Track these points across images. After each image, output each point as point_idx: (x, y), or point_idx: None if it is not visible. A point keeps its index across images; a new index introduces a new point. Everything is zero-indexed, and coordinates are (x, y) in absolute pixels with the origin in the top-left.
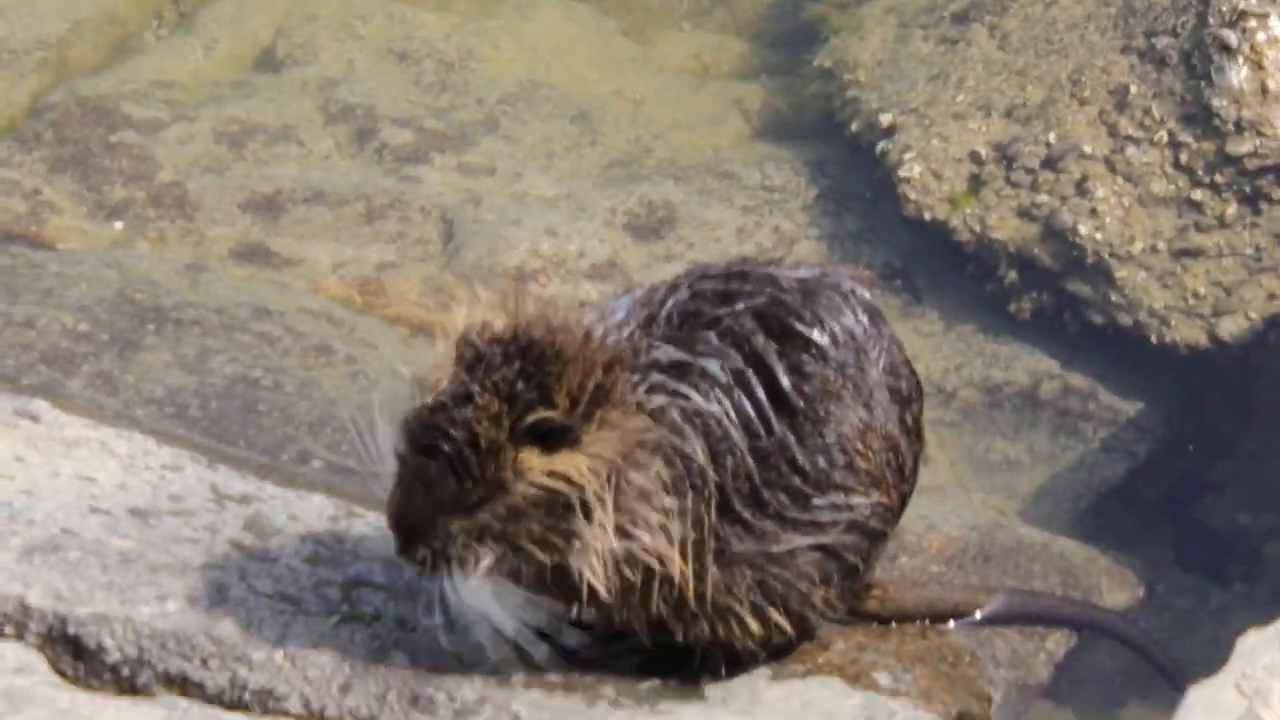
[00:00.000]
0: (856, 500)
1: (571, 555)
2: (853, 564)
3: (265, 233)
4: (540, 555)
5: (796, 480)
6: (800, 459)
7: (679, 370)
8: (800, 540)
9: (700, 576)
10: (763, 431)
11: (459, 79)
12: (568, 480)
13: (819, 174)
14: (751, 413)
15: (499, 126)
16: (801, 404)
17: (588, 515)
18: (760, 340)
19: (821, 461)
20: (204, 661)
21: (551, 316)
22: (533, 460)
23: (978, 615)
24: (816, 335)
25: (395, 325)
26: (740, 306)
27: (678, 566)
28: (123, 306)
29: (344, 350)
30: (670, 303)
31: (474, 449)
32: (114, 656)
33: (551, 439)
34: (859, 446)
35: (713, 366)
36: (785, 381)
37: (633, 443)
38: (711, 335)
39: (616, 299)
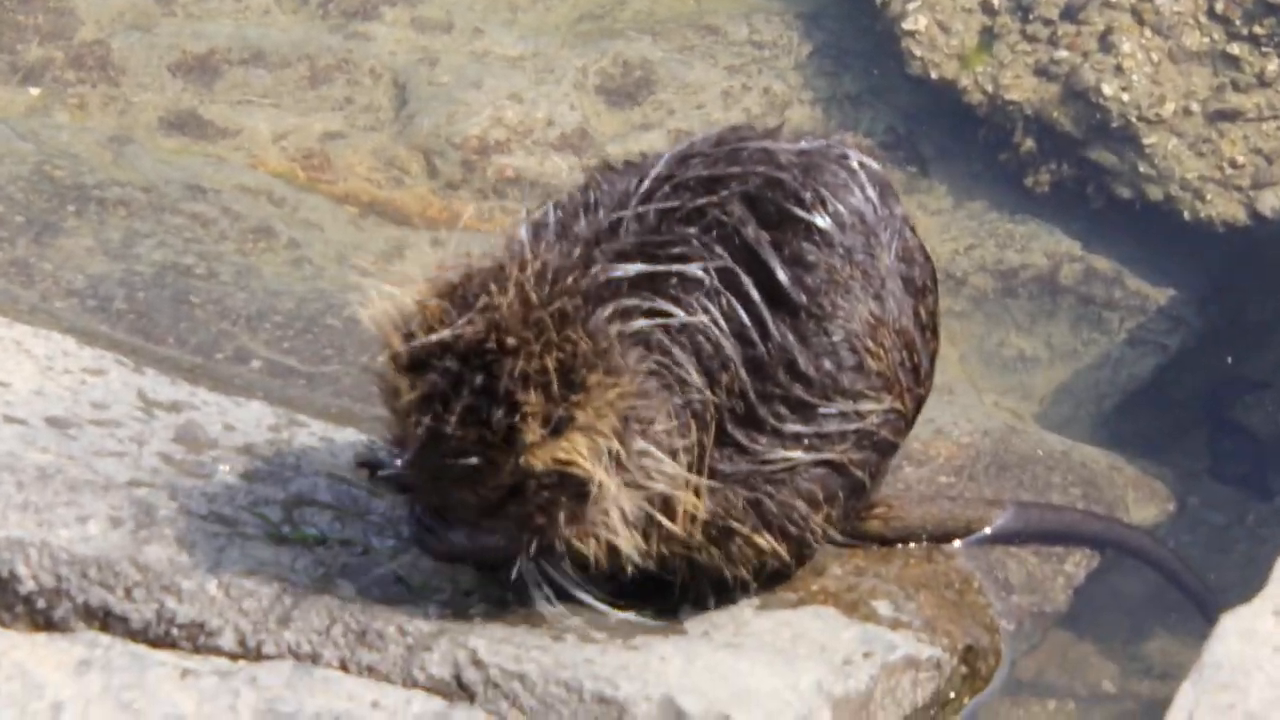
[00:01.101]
0: (867, 406)
1: (596, 530)
2: (860, 480)
3: (198, 99)
4: (566, 532)
5: (798, 389)
6: (803, 364)
7: (652, 284)
8: (800, 457)
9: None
10: (758, 338)
11: None
12: (572, 465)
13: (813, 28)
14: (744, 316)
15: None
16: (804, 299)
17: (601, 493)
18: (751, 231)
19: (827, 364)
20: (128, 592)
21: (476, 282)
22: (535, 456)
23: (989, 532)
24: (819, 219)
25: (343, 203)
26: (727, 193)
27: (689, 503)
28: (39, 184)
29: (286, 233)
30: (642, 198)
31: (476, 473)
32: (28, 586)
33: (554, 427)
34: (869, 344)
35: (694, 270)
36: (783, 275)
37: (627, 405)
38: (692, 232)
39: (557, 202)
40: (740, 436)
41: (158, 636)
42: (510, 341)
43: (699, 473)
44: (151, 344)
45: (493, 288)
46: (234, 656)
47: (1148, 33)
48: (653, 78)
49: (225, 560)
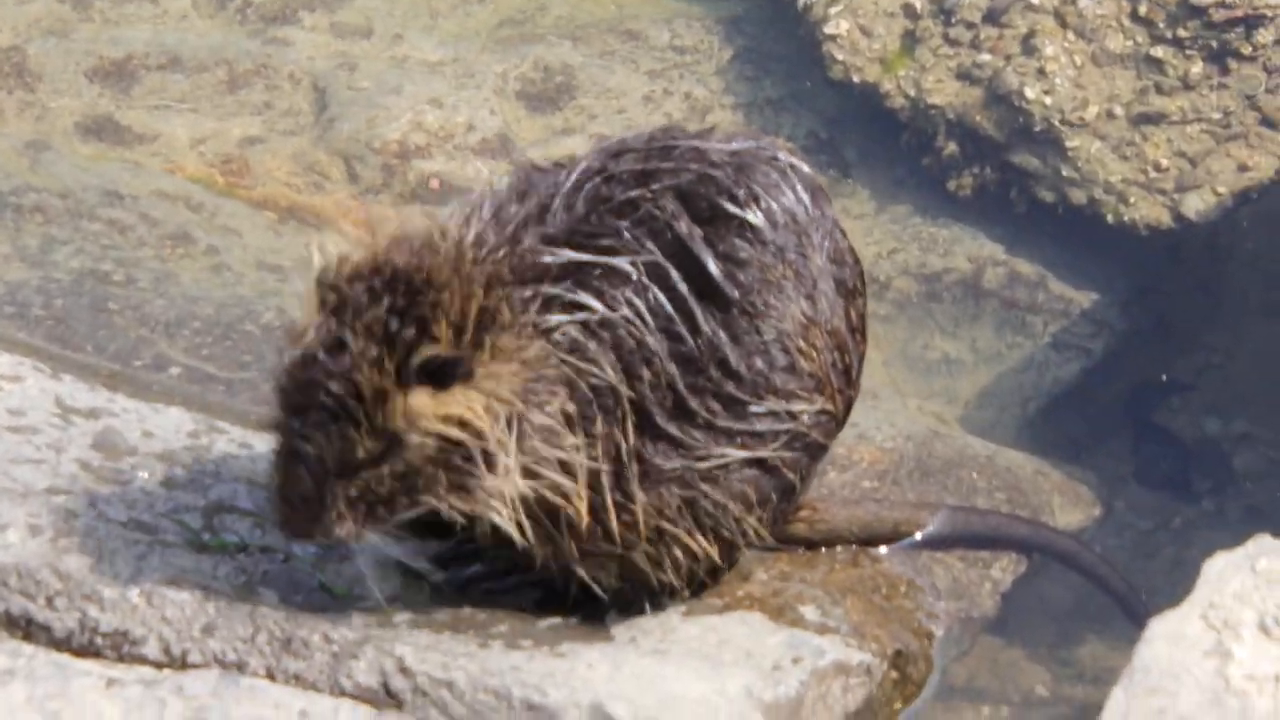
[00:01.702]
0: (798, 407)
1: (478, 504)
2: (790, 482)
3: (115, 104)
4: (443, 507)
5: (730, 386)
6: (734, 361)
7: (578, 275)
8: (734, 454)
9: (624, 506)
10: (687, 332)
11: None
12: (464, 424)
13: (735, 32)
14: (671, 311)
15: None
16: (736, 294)
17: (490, 464)
18: (684, 226)
19: (759, 363)
20: (49, 600)
21: (414, 235)
22: (424, 404)
23: (917, 536)
24: (752, 216)
25: (262, 209)
26: (659, 186)
27: (585, 505)
28: None
29: (205, 239)
30: (571, 188)
31: (358, 400)
32: None
33: (442, 377)
34: (801, 344)
35: (621, 264)
36: (716, 270)
37: (530, 376)
38: (623, 225)
39: (490, 191)
40: (673, 429)
41: (81, 645)
42: (439, 278)
43: (617, 470)
44: (69, 351)
45: (433, 237)
46: (159, 665)
47: (1070, 36)
48: (574, 83)
49: (147, 568)
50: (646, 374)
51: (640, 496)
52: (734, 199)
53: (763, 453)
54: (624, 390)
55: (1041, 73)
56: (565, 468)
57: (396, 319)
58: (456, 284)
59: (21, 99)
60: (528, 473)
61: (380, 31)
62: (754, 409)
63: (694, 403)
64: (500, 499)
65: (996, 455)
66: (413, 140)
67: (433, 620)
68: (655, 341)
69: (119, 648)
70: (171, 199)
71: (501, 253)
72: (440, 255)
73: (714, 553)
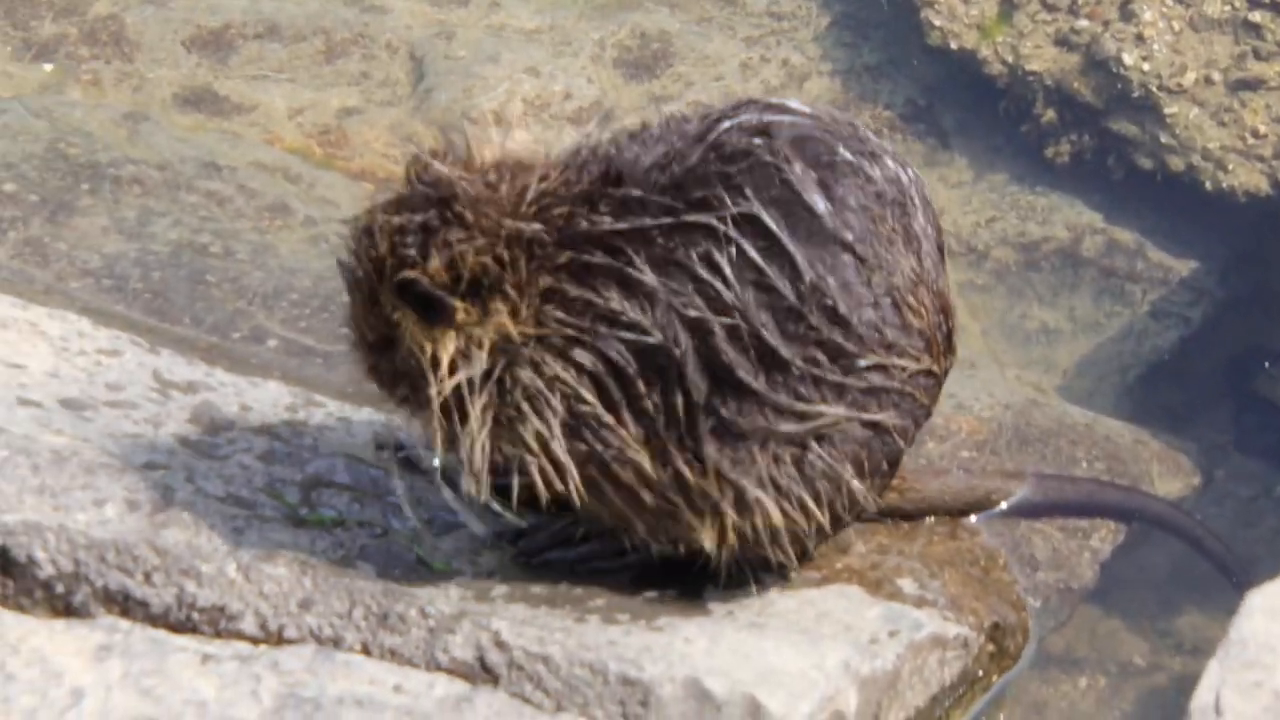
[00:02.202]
0: (908, 365)
1: (461, 432)
2: (899, 448)
3: (213, 74)
4: (435, 417)
5: (837, 334)
6: (843, 308)
7: (635, 240)
8: (844, 411)
9: (665, 466)
10: (786, 281)
11: None
12: (434, 360)
13: None
14: (762, 263)
15: None
16: (849, 237)
17: (445, 409)
18: (798, 169)
19: (870, 314)
20: (147, 576)
21: (491, 166)
22: (408, 323)
23: (1008, 505)
24: (867, 166)
25: (359, 180)
26: (778, 136)
27: (574, 477)
28: (54, 163)
29: (303, 210)
30: (694, 135)
31: (364, 284)
32: (47, 571)
33: (430, 308)
34: (911, 300)
35: (702, 219)
36: (826, 213)
37: (520, 334)
38: (731, 170)
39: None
40: (759, 384)
41: (178, 621)
42: (466, 218)
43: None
44: (167, 324)
45: (499, 176)
46: (255, 641)
47: (1168, 1)
48: (670, 50)
49: (244, 543)
50: (719, 329)
51: (712, 455)
52: (851, 148)
53: (875, 414)
54: (676, 350)
55: (1139, 38)
56: (544, 434)
57: (414, 235)
58: (477, 231)
59: (119, 69)
60: (504, 423)
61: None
62: (862, 362)
63: (790, 352)
64: (474, 443)
65: (1095, 424)
66: (510, 109)
67: (529, 594)
68: (735, 295)
69: (216, 623)
70: (269, 170)
71: (559, 211)
72: (484, 197)
73: (824, 518)
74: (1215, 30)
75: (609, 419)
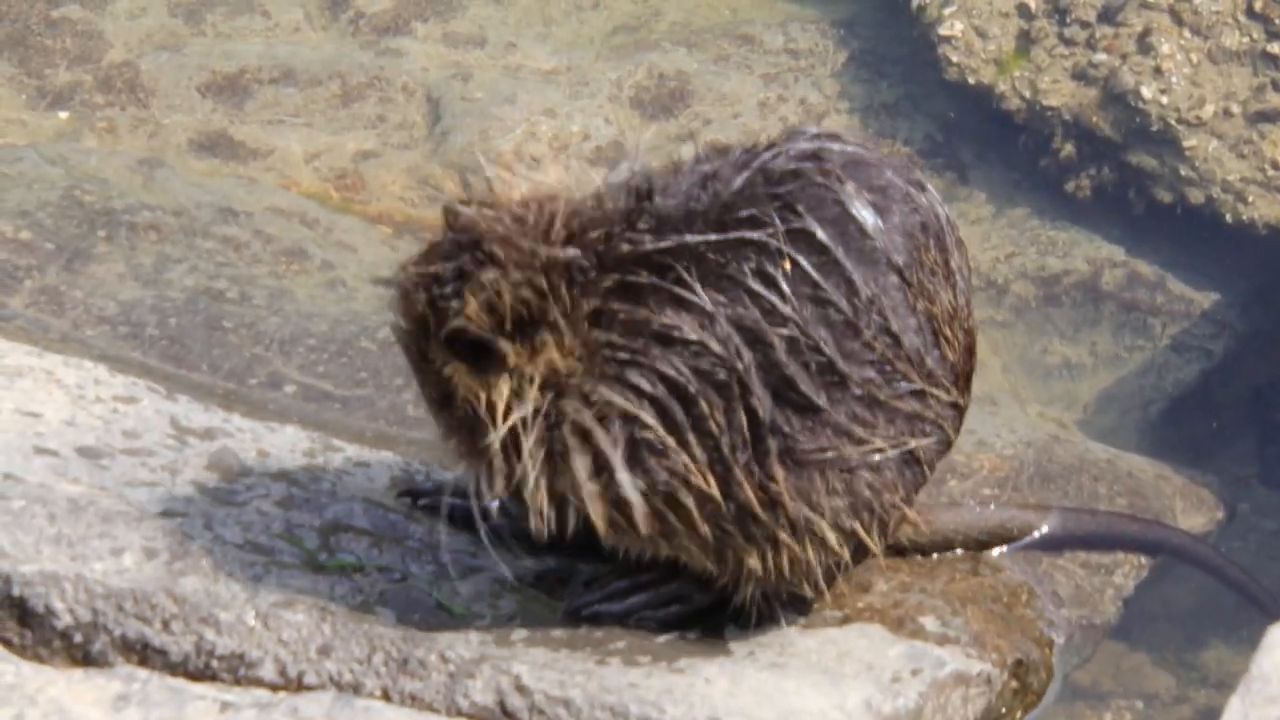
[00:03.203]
0: (940, 394)
1: (519, 475)
2: (925, 478)
3: (228, 120)
4: (498, 463)
5: (891, 354)
6: (895, 327)
7: (686, 256)
8: (890, 433)
9: (729, 493)
10: (842, 296)
11: None
12: (490, 407)
13: (849, 36)
14: (819, 277)
15: None
16: (900, 260)
17: (504, 451)
18: (850, 189)
19: (914, 339)
20: (165, 624)
21: (520, 202)
22: (460, 375)
23: (1026, 538)
24: (915, 194)
25: (377, 224)
26: (830, 159)
27: (640, 511)
28: (69, 210)
29: (319, 255)
30: (739, 161)
31: (411, 346)
32: (65, 621)
33: (473, 354)
34: (948, 332)
35: (754, 235)
36: (877, 234)
37: (568, 366)
38: (781, 190)
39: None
40: (820, 399)
41: (197, 669)
42: (499, 255)
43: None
44: (184, 370)
45: (528, 209)
46: (275, 688)
47: (1186, 33)
48: (688, 89)
49: (263, 590)
50: (778, 341)
51: (780, 479)
52: (900, 175)
53: (915, 440)
54: (739, 363)
55: (1158, 71)
56: (593, 471)
57: (450, 284)
58: (511, 266)
59: (135, 115)
60: (551, 463)
61: (493, 40)
62: (907, 386)
63: (849, 369)
64: (533, 483)
65: (1117, 460)
66: (527, 151)
67: (550, 638)
68: (793, 308)
69: (235, 670)
70: (286, 215)
71: (595, 234)
72: (513, 231)
73: (874, 544)
74: (1234, 62)
75: (672, 442)
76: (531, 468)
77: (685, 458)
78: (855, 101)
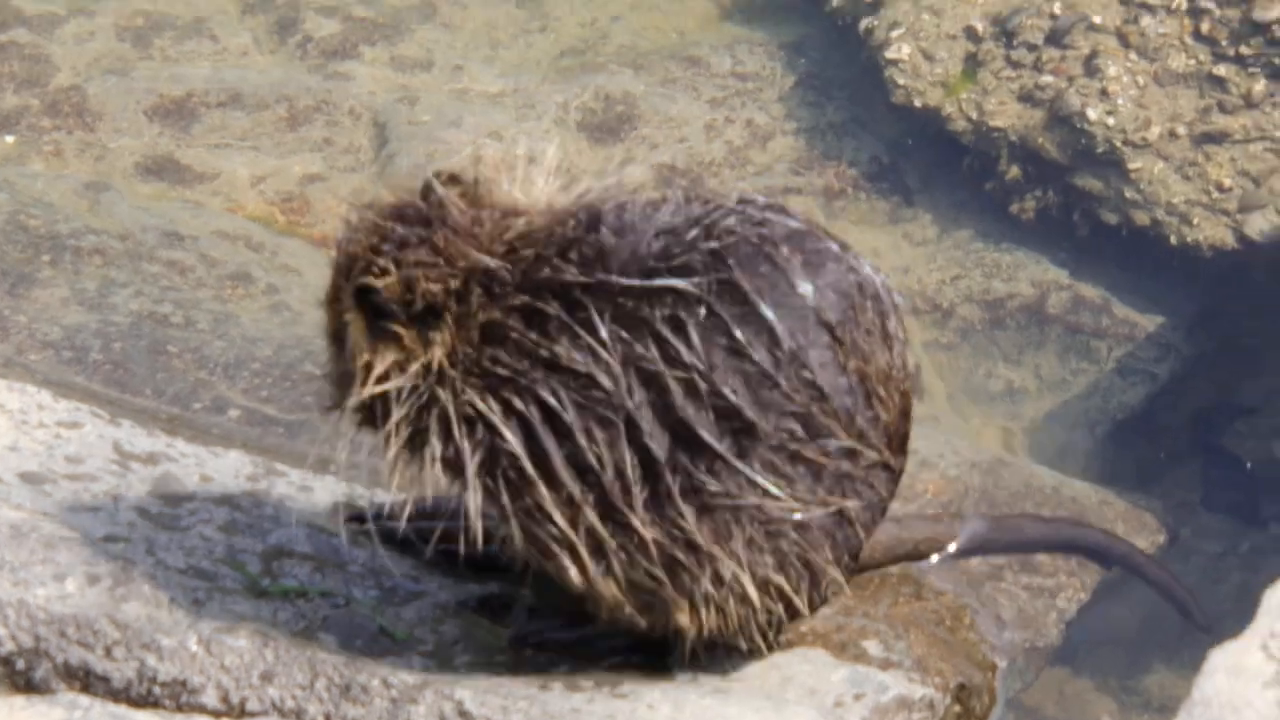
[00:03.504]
0: (871, 454)
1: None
2: (858, 542)
3: (175, 143)
4: (348, 419)
5: (815, 408)
6: (822, 382)
7: (601, 296)
8: (815, 490)
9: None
10: (762, 348)
11: None
12: (368, 368)
13: (796, 58)
14: (736, 330)
15: (436, 12)
16: (832, 318)
17: (371, 414)
18: (785, 251)
19: (846, 398)
20: (108, 650)
21: (500, 207)
22: (357, 326)
23: (951, 548)
24: (854, 261)
25: (322, 247)
26: (773, 227)
27: (473, 509)
28: (14, 234)
29: (265, 278)
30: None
31: (334, 279)
32: (7, 647)
33: (380, 321)
34: (882, 393)
35: (678, 283)
36: (810, 294)
37: (455, 362)
38: (714, 245)
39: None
40: (725, 447)
41: (139, 696)
42: (435, 241)
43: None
44: (128, 395)
45: (484, 214)
46: (217, 714)
47: (1133, 55)
48: (635, 112)
49: (205, 615)
50: (674, 385)
51: (689, 513)
52: (838, 245)
53: (845, 500)
54: (629, 402)
55: (1104, 93)
56: (450, 462)
57: (388, 244)
58: (443, 259)
59: (81, 139)
60: (410, 446)
61: (440, 64)
62: (836, 444)
63: (763, 419)
64: (389, 459)
65: (1062, 486)
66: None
67: (493, 663)
68: (697, 355)
69: (177, 697)
70: (231, 239)
71: (527, 253)
72: (465, 229)
73: (800, 604)
74: (1180, 84)
75: (529, 467)
76: (394, 437)
77: (543, 487)
78: (802, 123)
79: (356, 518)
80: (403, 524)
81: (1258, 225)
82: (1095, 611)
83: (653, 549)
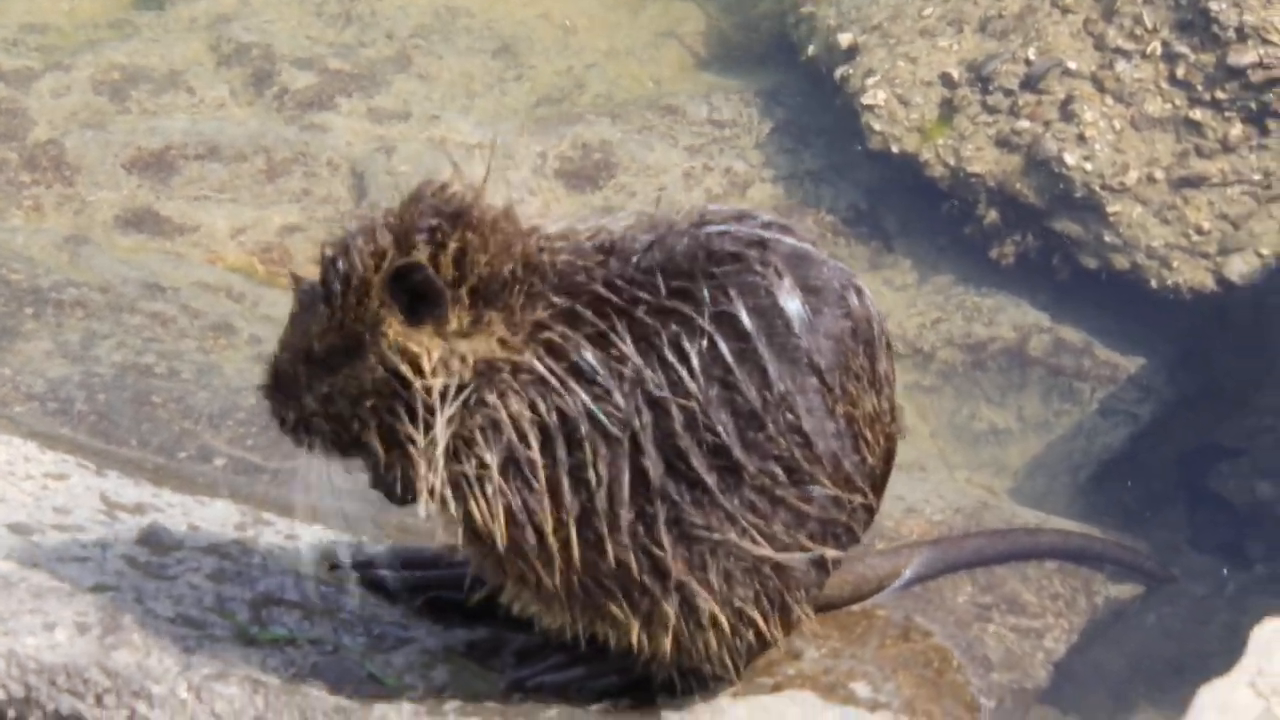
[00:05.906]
0: (856, 498)
1: (402, 457)
2: (826, 576)
3: (154, 195)
4: (372, 445)
5: (798, 453)
6: (808, 428)
7: (623, 312)
8: (797, 533)
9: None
10: (753, 387)
11: (365, 9)
12: (415, 365)
13: (773, 105)
14: (733, 363)
15: (412, 63)
16: (822, 364)
17: (413, 418)
18: (787, 284)
19: (833, 444)
20: (99, 699)
21: (510, 215)
22: (393, 324)
23: (906, 576)
24: (851, 297)
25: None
26: (775, 250)
27: (500, 523)
28: None
29: (247, 329)
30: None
31: (344, 284)
32: None
33: (419, 311)
34: (869, 435)
35: (683, 308)
36: (802, 335)
37: (502, 359)
38: (716, 271)
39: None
40: (712, 480)
41: None
42: (483, 230)
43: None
44: (113, 446)
45: (511, 219)
46: None
47: (1109, 100)
48: (613, 160)
49: (195, 663)
50: (676, 412)
51: (668, 541)
52: (839, 279)
53: (827, 547)
54: (636, 421)
55: (1081, 138)
56: (491, 469)
57: (425, 232)
58: (493, 245)
59: (60, 193)
60: (452, 454)
61: (417, 114)
62: (820, 491)
63: (747, 459)
64: (422, 465)
65: (1045, 525)
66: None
67: (482, 708)
68: (697, 386)
69: None
70: (213, 290)
71: (566, 258)
72: (498, 220)
73: (772, 628)
74: (1157, 129)
75: (539, 478)
76: (439, 445)
77: (545, 495)
78: (780, 170)
79: (343, 566)
80: (388, 573)
81: (1237, 267)
82: (1083, 652)
83: (630, 566)
